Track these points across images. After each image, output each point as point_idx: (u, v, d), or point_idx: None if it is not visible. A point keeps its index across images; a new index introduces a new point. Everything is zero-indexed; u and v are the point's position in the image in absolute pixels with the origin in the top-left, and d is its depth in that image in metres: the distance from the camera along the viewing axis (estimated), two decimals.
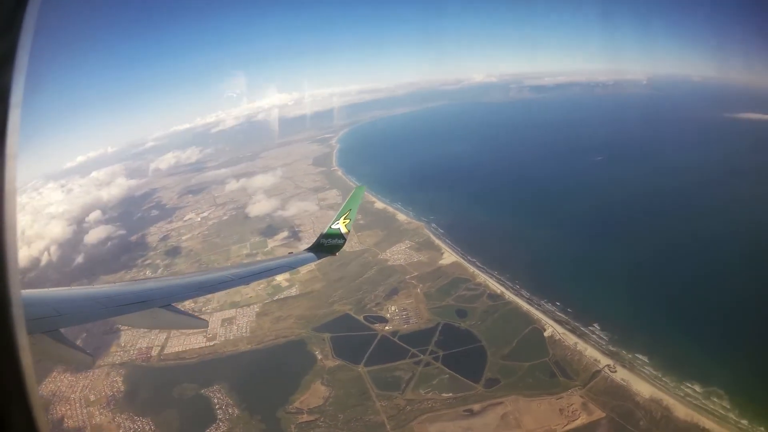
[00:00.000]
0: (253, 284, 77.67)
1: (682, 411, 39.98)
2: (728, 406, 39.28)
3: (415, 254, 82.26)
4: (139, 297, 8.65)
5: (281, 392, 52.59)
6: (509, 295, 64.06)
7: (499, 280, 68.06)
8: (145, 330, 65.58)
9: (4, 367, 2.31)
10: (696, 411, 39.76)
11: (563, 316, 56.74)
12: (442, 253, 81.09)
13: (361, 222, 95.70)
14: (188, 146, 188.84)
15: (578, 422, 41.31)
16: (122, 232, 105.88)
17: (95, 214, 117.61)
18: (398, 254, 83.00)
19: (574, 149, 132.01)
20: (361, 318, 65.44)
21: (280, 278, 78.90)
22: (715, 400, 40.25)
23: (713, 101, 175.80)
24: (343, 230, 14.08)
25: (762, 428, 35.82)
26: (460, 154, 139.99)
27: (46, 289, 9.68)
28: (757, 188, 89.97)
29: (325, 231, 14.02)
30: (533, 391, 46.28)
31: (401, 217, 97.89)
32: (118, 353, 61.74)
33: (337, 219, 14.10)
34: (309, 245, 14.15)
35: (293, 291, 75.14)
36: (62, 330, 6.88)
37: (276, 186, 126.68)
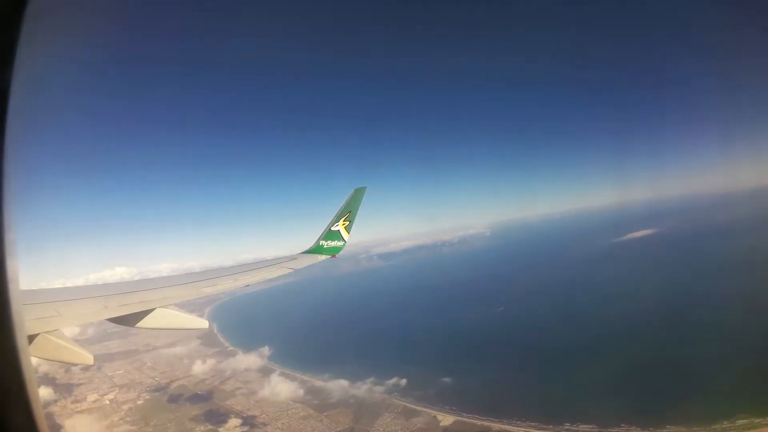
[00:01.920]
0: None
1: None
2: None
3: (408, 423, 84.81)
4: (139, 297, 8.98)
5: None
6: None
7: (513, 423, 77.29)
8: None
9: (4, 367, 2.40)
10: None
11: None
12: (435, 417, 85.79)
13: (316, 402, 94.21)
14: None
15: None
16: None
17: None
18: (392, 428, 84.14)
19: (471, 303, 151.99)
20: None
21: None
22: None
23: (589, 231, 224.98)
24: (343, 233, 14.54)
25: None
26: (358, 320, 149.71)
27: (46, 289, 10.24)
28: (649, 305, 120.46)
29: (324, 233, 14.64)
30: None
31: (354, 391, 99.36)
32: None
33: (337, 221, 14.51)
34: (307, 249, 14.99)
35: None
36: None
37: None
